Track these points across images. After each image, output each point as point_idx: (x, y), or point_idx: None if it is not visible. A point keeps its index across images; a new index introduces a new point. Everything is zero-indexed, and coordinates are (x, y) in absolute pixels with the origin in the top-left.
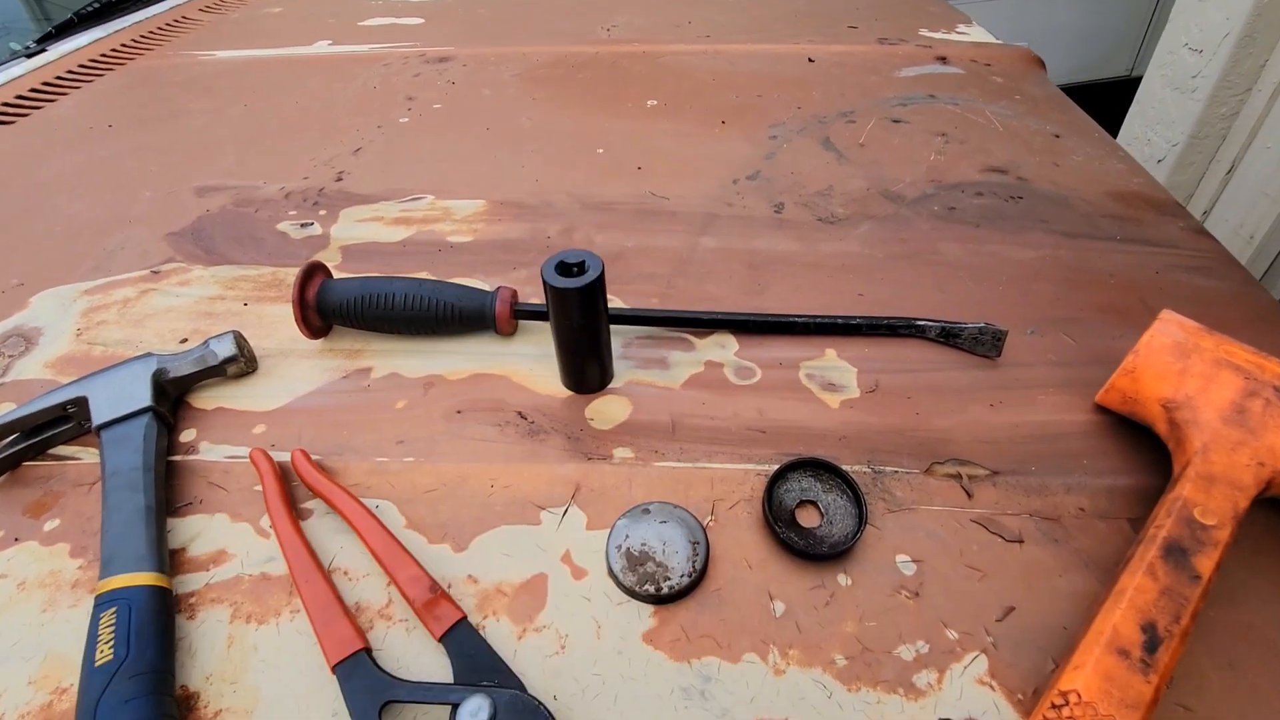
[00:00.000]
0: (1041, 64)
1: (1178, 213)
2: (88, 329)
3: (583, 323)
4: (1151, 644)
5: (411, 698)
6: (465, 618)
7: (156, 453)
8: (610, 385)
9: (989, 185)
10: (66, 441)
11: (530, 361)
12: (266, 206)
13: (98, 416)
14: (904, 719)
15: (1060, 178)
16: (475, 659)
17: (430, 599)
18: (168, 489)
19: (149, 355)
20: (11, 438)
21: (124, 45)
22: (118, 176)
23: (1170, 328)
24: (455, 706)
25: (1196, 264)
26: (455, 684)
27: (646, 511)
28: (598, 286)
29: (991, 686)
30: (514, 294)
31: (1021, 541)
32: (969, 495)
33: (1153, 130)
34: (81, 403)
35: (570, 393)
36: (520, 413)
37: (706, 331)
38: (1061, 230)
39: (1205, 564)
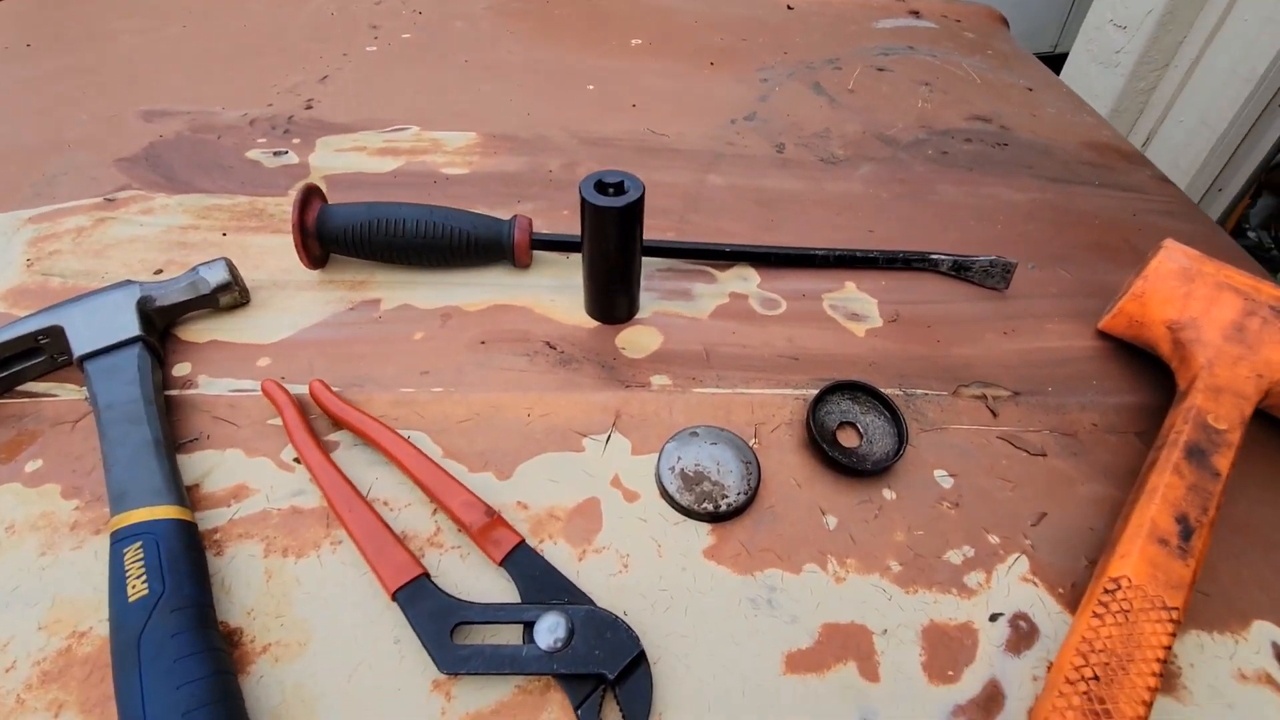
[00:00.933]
0: (1006, 23)
1: (1143, 162)
2: (39, 259)
3: (620, 245)
4: (1186, 532)
5: (483, 618)
6: (524, 541)
7: (154, 385)
8: (636, 316)
9: (975, 132)
10: (38, 377)
11: (551, 293)
12: (230, 133)
13: (79, 347)
14: (960, 614)
15: (1038, 128)
16: (540, 580)
17: (487, 523)
18: (169, 424)
19: (129, 283)
20: None
21: None
22: (45, 99)
23: (1175, 255)
24: (529, 625)
25: (1166, 208)
26: (524, 604)
27: (695, 435)
28: (638, 208)
29: (1035, 583)
30: (531, 223)
31: (1045, 455)
32: (994, 414)
33: None
34: (56, 333)
35: (596, 323)
36: (548, 343)
37: (725, 265)
38: (1046, 175)
39: (1222, 462)
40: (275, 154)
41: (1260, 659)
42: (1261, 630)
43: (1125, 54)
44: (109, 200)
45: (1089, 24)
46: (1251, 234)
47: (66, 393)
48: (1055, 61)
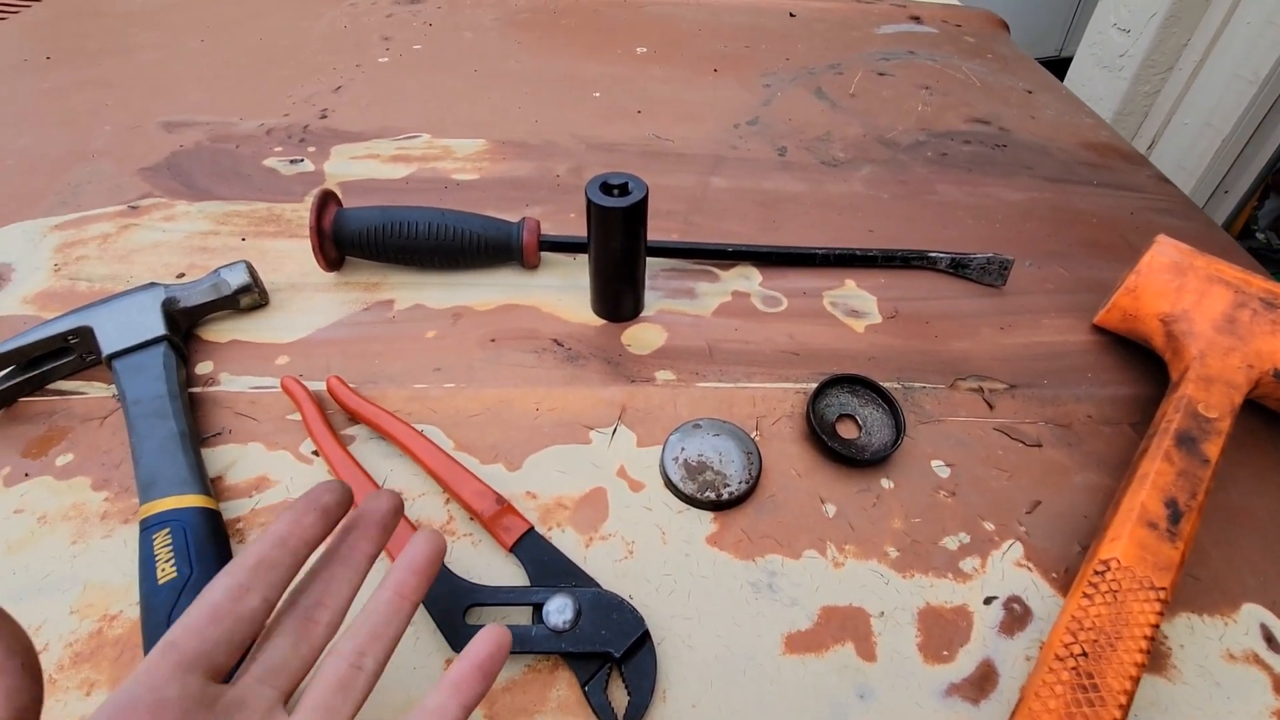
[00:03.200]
0: (1006, 26)
1: (1142, 162)
2: (66, 264)
3: (625, 244)
4: (1175, 516)
5: (495, 600)
6: (533, 528)
7: (179, 381)
8: (641, 314)
9: (975, 134)
10: (67, 376)
11: (558, 293)
12: (248, 142)
13: (107, 346)
14: (956, 598)
15: (1038, 129)
16: (548, 565)
17: (497, 511)
18: (193, 419)
19: (154, 285)
20: (6, 371)
21: None
22: (67, 110)
23: (1167, 249)
24: (538, 606)
25: (1165, 206)
26: (534, 586)
27: (698, 426)
28: (642, 208)
29: (1029, 568)
30: (539, 225)
31: (1040, 445)
32: (990, 406)
33: None
34: (85, 333)
35: (602, 321)
36: (556, 340)
37: (728, 264)
38: (1044, 175)
39: (1212, 449)
40: (292, 162)
41: (1249, 640)
42: (1251, 613)
43: (1129, 58)
44: (132, 208)
45: (1092, 28)
46: (1260, 235)
47: (95, 390)
48: (1060, 66)
